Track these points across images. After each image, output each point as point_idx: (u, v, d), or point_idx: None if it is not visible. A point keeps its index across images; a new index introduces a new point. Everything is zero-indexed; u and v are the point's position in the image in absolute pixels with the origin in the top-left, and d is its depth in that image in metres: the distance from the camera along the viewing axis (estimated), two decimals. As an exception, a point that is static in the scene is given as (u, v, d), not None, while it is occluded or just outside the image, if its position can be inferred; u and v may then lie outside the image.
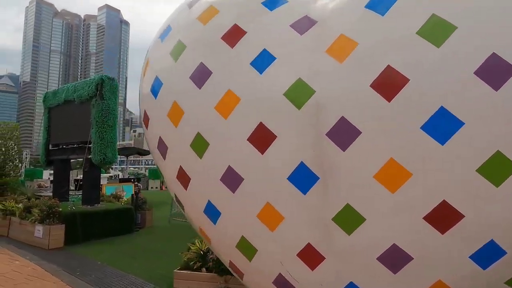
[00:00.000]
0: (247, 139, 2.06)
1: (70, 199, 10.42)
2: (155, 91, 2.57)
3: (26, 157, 12.09)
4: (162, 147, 2.60)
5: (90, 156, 8.90)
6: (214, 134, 2.23)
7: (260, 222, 2.14)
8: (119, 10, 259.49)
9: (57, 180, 10.16)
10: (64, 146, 10.10)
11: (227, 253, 2.58)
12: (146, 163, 64.30)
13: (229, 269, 2.68)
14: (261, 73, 2.07)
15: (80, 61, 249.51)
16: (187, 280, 4.24)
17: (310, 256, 2.06)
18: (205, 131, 2.25)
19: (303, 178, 1.96)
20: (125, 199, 10.98)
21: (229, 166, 2.18)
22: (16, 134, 11.37)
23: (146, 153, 16.41)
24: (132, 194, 10.23)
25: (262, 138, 2.04)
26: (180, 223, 10.76)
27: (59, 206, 8.10)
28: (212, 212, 2.37)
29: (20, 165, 11.51)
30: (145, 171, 45.63)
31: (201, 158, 2.28)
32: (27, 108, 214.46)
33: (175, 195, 2.76)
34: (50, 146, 10.48)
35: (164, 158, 2.61)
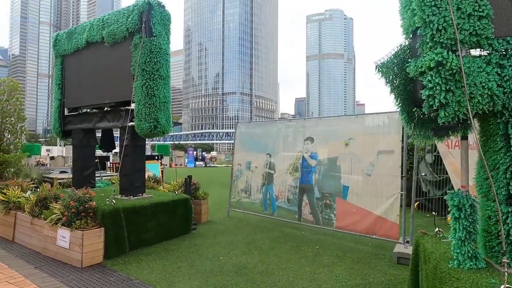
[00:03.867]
0: None
1: (96, 185, 7.54)
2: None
3: (23, 131, 9.41)
4: None
5: (132, 123, 5.95)
6: None
7: None
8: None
9: (78, 158, 7.21)
10: (88, 110, 7.08)
11: None
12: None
13: None
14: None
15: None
16: None
17: None
18: None
19: None
20: (168, 185, 8.11)
21: None
22: (17, 96, 8.29)
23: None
24: (186, 178, 7.35)
25: None
26: (242, 215, 8.04)
27: (93, 199, 5.24)
28: None
29: (22, 137, 8.47)
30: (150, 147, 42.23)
31: None
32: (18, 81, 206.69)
33: None
34: (66, 110, 7.46)
35: None
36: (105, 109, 6.65)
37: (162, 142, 56.58)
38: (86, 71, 6.84)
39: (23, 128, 8.57)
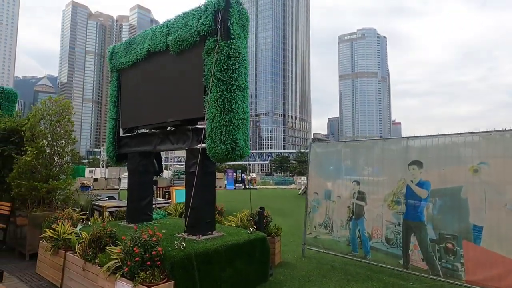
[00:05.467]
0: None
1: (154, 216, 6.47)
2: None
3: (74, 154, 8.86)
4: None
5: (202, 145, 4.86)
6: None
7: None
8: (150, 10, 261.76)
9: (134, 186, 6.22)
10: (147, 131, 6.14)
11: None
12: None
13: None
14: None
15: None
16: None
17: None
18: None
19: None
20: (233, 218, 6.87)
21: None
22: (68, 116, 7.61)
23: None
24: (259, 211, 6.11)
25: None
26: (321, 255, 6.62)
27: (160, 242, 4.10)
28: None
29: (70, 163, 7.70)
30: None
31: None
32: (69, 100, 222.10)
33: None
34: (121, 131, 6.59)
35: None
36: (168, 128, 5.65)
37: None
38: (146, 86, 5.94)
39: (73, 151, 7.84)
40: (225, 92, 4.59)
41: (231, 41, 4.65)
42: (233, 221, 6.44)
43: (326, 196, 6.77)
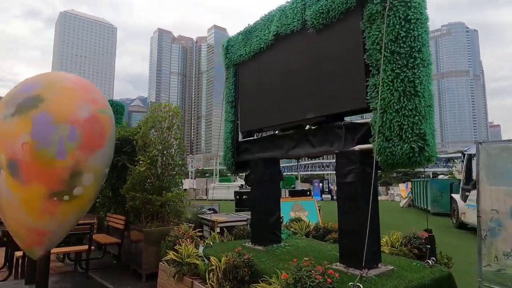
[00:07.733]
0: None
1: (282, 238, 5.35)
2: None
3: (184, 164, 8.53)
4: None
5: (364, 145, 3.58)
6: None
7: None
8: (225, 29, 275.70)
9: (259, 199, 5.19)
10: (276, 132, 5.09)
11: None
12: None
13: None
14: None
15: (193, 80, 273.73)
16: None
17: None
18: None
19: None
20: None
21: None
22: (177, 123, 7.06)
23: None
24: (430, 235, 4.53)
25: None
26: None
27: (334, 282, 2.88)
28: None
29: (181, 173, 7.09)
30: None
31: None
32: (177, 106, 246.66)
33: None
34: (240, 135, 5.68)
35: None
36: (307, 127, 4.50)
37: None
38: (273, 78, 4.92)
39: (183, 161, 7.27)
40: (404, 69, 3.24)
41: (410, 3, 3.30)
42: (383, 246, 4.96)
43: (513, 215, 4.89)
